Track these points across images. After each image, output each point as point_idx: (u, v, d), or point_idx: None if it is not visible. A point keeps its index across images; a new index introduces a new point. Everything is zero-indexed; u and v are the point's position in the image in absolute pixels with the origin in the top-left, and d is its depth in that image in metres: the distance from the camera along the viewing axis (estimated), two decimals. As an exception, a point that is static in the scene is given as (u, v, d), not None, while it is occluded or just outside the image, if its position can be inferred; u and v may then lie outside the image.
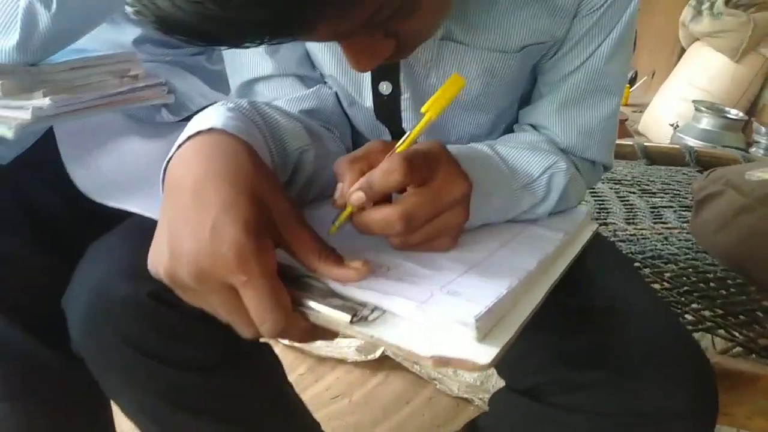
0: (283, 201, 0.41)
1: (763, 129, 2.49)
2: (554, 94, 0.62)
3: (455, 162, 0.47)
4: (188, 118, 0.73)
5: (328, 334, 0.41)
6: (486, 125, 0.66)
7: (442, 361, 0.36)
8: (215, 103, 0.75)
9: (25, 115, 0.54)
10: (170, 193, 0.42)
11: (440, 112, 0.45)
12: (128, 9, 0.35)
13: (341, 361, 1.34)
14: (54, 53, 0.60)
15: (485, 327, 0.38)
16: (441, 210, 0.45)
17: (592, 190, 1.36)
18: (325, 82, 0.66)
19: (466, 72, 0.59)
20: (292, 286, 0.40)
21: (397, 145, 0.45)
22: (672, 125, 2.75)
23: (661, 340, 0.51)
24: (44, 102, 0.55)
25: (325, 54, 0.62)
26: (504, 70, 0.59)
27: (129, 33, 0.75)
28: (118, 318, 0.46)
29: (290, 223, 0.41)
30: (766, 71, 3.17)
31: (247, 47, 0.37)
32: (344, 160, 0.46)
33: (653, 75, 5.12)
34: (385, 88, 0.61)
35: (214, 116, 0.44)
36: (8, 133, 0.54)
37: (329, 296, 0.40)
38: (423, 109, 0.45)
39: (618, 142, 1.75)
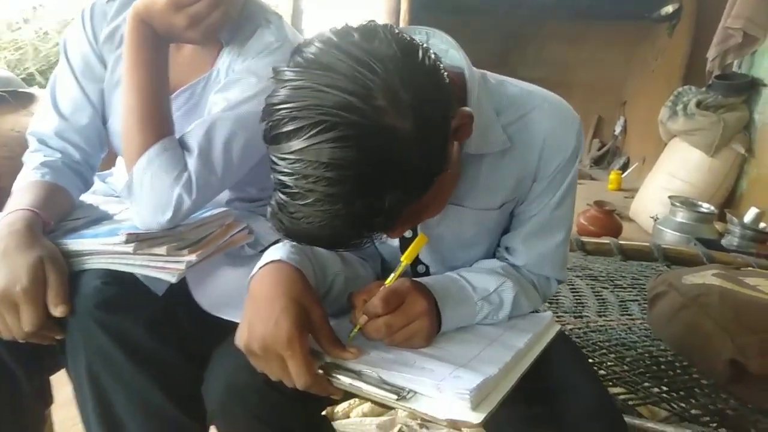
0: (318, 308, 0.69)
1: (736, 220, 2.78)
2: (521, 228, 0.90)
3: (419, 290, 0.76)
4: (263, 250, 1.04)
5: (340, 392, 0.68)
6: (480, 255, 0.95)
7: (453, 422, 0.64)
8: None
9: (181, 266, 0.81)
10: (252, 297, 0.71)
11: (411, 259, 0.76)
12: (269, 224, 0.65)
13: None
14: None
15: (476, 400, 0.65)
16: (409, 321, 0.74)
17: (571, 287, 1.65)
18: None
19: (464, 223, 0.88)
20: (352, 374, 0.69)
21: (387, 281, 0.75)
22: (652, 218, 3.06)
23: (596, 410, 0.78)
24: (192, 257, 0.82)
25: None
26: (490, 220, 0.89)
27: (224, 195, 1.06)
28: (242, 398, 0.74)
29: (319, 324, 0.68)
30: (740, 164, 3.52)
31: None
32: (354, 294, 0.77)
33: (644, 161, 5.51)
34: (408, 233, 0.91)
35: (281, 250, 0.76)
36: (173, 280, 0.80)
37: (381, 383, 0.68)
38: (402, 258, 0.76)
39: (597, 240, 2.06)
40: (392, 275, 0.75)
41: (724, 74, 3.68)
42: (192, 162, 0.84)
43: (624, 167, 5.83)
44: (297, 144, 0.55)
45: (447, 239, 0.89)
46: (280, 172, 0.58)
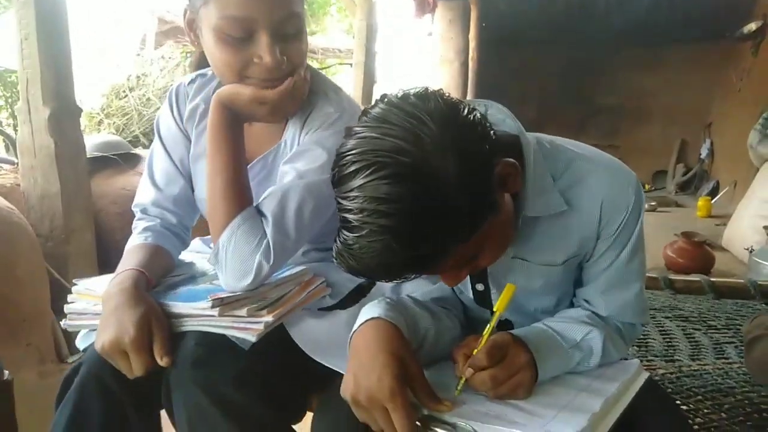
0: (414, 363, 0.75)
1: (841, 248, 2.59)
2: (595, 283, 0.92)
3: (518, 343, 0.80)
4: (342, 300, 1.11)
5: None
6: (552, 303, 0.98)
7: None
8: (361, 283, 1.11)
9: (260, 327, 0.87)
10: (355, 353, 0.78)
11: (504, 308, 0.80)
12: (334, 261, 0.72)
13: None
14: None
15: None
16: (513, 373, 0.78)
17: (661, 329, 1.61)
18: None
19: (530, 276, 0.92)
20: (448, 427, 0.73)
21: (484, 333, 0.79)
22: (747, 249, 2.90)
23: None
24: (270, 318, 0.88)
25: None
26: (554, 275, 0.92)
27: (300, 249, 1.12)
28: None
29: (416, 377, 0.74)
30: (842, 187, 3.28)
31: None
32: (456, 350, 0.81)
33: (735, 185, 5.22)
34: (480, 287, 0.97)
35: (378, 308, 0.83)
36: (253, 339, 0.87)
37: (474, 436, 0.72)
38: (495, 308, 0.81)
39: (686, 278, 1.99)
40: (488, 327, 0.80)
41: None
42: (268, 230, 0.92)
43: (713, 192, 5.55)
44: (356, 182, 0.64)
45: (518, 288, 0.93)
46: (343, 210, 0.66)
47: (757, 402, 1.23)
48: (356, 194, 0.64)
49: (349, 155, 0.66)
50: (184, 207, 1.14)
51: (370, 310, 0.83)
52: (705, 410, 1.20)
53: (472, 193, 0.67)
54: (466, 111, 0.70)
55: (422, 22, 5.71)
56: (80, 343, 1.01)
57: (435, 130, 0.65)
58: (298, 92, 0.98)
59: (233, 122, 0.97)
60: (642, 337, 1.55)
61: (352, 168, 0.65)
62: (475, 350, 0.79)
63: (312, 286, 1.05)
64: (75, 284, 1.00)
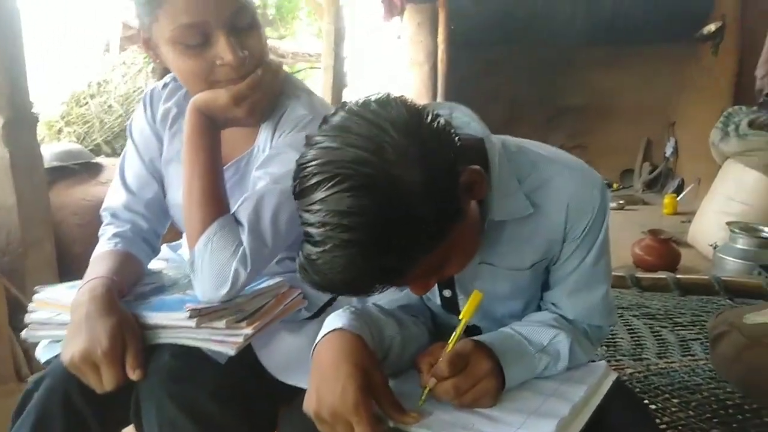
0: (378, 373, 0.73)
1: (801, 242, 2.67)
2: (562, 286, 0.92)
3: (482, 350, 0.79)
4: (317, 312, 1.08)
5: None
6: (519, 307, 0.97)
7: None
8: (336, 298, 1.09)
9: (239, 339, 0.85)
10: (317, 365, 0.75)
11: (470, 316, 0.79)
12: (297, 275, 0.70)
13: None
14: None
15: None
16: (476, 381, 0.77)
17: (629, 327, 1.62)
18: None
19: (498, 281, 0.91)
20: None
21: (448, 343, 0.78)
22: (712, 245, 2.96)
23: None
24: (249, 330, 0.86)
25: None
26: (521, 279, 0.92)
27: None
28: None
29: (381, 388, 0.72)
30: (801, 183, 3.36)
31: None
32: (420, 358, 0.80)
33: (699, 182, 5.34)
34: (447, 293, 0.95)
35: (341, 318, 0.81)
36: (232, 353, 0.84)
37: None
38: (461, 316, 0.79)
39: (652, 276, 2.02)
40: (453, 335, 0.78)
41: (776, 91, 3.57)
42: (244, 237, 0.89)
43: (678, 189, 5.66)
44: (318, 195, 0.62)
45: (485, 294, 0.92)
46: (305, 223, 0.64)
47: (722, 398, 1.25)
48: (318, 207, 0.62)
49: (309, 167, 0.64)
50: (157, 212, 1.11)
51: (334, 321, 0.81)
52: (672, 408, 1.21)
53: (437, 203, 0.65)
54: (429, 118, 0.68)
55: (391, 25, 5.71)
56: (42, 354, 0.96)
57: (397, 139, 0.63)
58: (269, 84, 0.96)
59: (210, 128, 0.95)
60: (610, 336, 1.57)
61: (314, 180, 0.63)
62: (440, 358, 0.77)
63: (288, 298, 1.02)
64: (36, 292, 0.96)
